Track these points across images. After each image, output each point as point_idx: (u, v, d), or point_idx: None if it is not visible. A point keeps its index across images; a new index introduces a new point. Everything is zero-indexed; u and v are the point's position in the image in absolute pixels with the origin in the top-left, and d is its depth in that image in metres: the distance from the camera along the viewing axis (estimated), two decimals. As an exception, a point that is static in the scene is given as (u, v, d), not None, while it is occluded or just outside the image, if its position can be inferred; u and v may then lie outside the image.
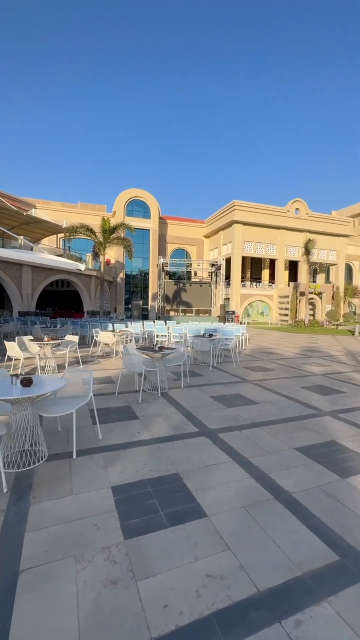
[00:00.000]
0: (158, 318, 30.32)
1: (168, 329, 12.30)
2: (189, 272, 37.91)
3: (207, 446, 3.78)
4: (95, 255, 25.45)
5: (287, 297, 32.71)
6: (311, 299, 34.32)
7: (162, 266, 32.66)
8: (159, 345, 9.56)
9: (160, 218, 35.84)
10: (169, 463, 3.34)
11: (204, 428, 4.36)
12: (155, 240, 35.16)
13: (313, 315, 34.90)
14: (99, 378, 7.05)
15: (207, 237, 39.65)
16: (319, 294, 34.53)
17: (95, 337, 10.41)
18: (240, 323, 30.58)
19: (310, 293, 33.19)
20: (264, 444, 3.88)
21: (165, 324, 13.65)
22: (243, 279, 36.55)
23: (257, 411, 5.15)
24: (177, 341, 11.22)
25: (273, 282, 35.97)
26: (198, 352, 9.13)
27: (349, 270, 42.90)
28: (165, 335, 12.29)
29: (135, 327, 12.46)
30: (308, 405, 5.50)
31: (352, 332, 22.46)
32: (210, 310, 33.76)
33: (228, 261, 33.95)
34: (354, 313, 39.84)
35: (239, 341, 12.50)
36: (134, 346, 6.78)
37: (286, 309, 32.73)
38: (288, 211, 33.82)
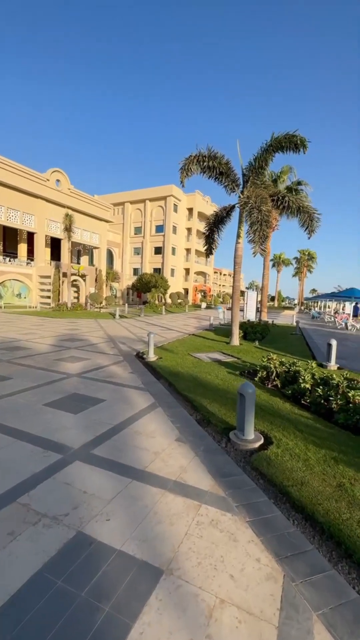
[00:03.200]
0: None
1: None
2: None
3: None
4: None
5: (48, 277, 29.44)
6: (75, 280, 33.00)
7: None
8: None
9: None
10: None
11: None
12: None
13: (77, 298, 33.90)
14: None
15: None
16: (83, 276, 33.80)
17: None
18: (-11, 307, 24.32)
19: (74, 274, 31.73)
20: None
21: None
22: (-7, 251, 29.38)
23: None
24: None
25: (32, 259, 31.38)
26: None
27: (110, 255, 45.33)
28: None
29: None
30: (48, 445, 3.43)
31: (113, 315, 23.09)
32: None
33: (-32, 225, 25.83)
34: (115, 296, 42.84)
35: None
36: None
37: (48, 290, 29.50)
38: (48, 180, 29.99)
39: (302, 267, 59.34)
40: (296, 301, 69.71)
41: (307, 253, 57.88)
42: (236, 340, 11.04)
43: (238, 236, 10.69)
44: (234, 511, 2.51)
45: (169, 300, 41.42)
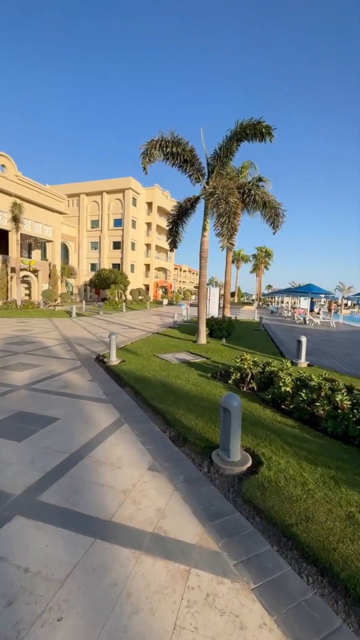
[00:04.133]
0: None
1: None
2: None
3: None
4: None
5: (-5, 272, 26.71)
6: (26, 276, 30.44)
7: None
8: None
9: None
10: None
11: None
12: None
13: (29, 295, 31.34)
14: None
15: None
16: (35, 272, 31.28)
17: None
18: None
19: (24, 270, 29.19)
20: None
21: None
22: None
23: None
24: None
25: (-25, 253, 28.24)
26: None
27: (65, 249, 42.67)
28: None
29: None
30: (-21, 494, 2.57)
31: (69, 313, 21.53)
32: None
33: None
34: (71, 293, 40.46)
35: None
36: None
37: (-5, 287, 26.77)
38: (-9, 165, 27.12)
39: (260, 264, 61.24)
40: (254, 297, 72.01)
41: (264, 250, 59.79)
42: (203, 338, 10.57)
43: (204, 229, 10.17)
44: (234, 574, 1.91)
45: (129, 297, 40.16)
